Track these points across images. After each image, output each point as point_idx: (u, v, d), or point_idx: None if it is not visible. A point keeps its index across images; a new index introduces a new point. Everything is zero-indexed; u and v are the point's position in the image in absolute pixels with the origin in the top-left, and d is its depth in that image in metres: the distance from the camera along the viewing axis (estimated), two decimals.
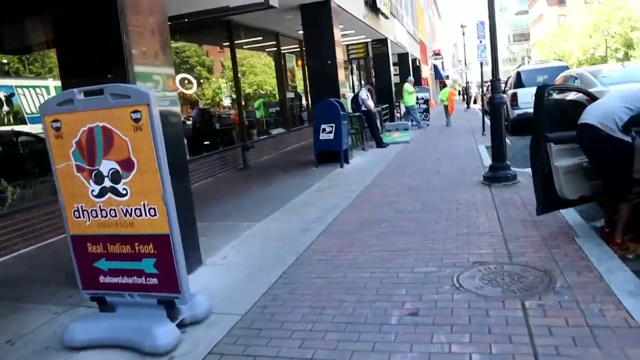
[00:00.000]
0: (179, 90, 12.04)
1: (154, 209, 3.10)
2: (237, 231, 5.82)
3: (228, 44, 11.90)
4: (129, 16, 3.96)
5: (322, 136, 10.29)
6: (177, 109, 4.59)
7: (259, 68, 16.16)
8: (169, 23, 8.06)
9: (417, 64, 33.34)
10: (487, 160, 9.11)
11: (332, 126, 10.20)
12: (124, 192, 3.15)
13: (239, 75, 12.43)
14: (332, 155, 10.32)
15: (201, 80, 12.68)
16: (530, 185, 5.09)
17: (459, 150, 11.37)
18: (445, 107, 19.67)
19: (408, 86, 17.89)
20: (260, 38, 14.32)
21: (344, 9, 11.75)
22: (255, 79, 15.74)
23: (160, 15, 4.43)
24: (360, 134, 13.40)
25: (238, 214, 6.83)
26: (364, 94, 13.21)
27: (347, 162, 10.54)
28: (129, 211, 3.17)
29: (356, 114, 13.30)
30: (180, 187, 4.51)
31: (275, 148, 13.57)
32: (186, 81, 12.46)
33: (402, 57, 27.22)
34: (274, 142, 13.73)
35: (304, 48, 11.96)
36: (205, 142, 11.44)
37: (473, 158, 9.86)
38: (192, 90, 12.69)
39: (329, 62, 10.67)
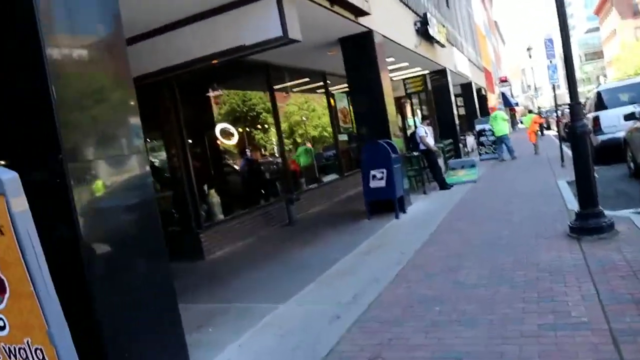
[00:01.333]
0: (219, 142, 11.33)
1: (41, 350, 1.99)
2: (254, 318, 4.63)
3: (267, 87, 11.03)
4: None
5: (373, 184, 9.03)
6: (144, 169, 3.54)
7: (306, 111, 15.29)
8: (188, 69, 7.37)
9: (483, 92, 31.55)
10: (571, 201, 7.50)
11: (382, 172, 8.92)
12: (1, 324, 2.07)
13: (281, 120, 11.48)
14: (386, 203, 9.03)
15: (247, 128, 11.88)
16: (637, 238, 3.58)
17: (536, 187, 9.72)
18: (535, 133, 18.12)
19: (503, 113, 16.50)
20: (307, 79, 13.45)
21: (390, 40, 10.63)
22: (301, 123, 14.87)
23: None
24: (420, 175, 12.03)
25: (264, 289, 5.66)
26: (422, 131, 11.89)
27: (404, 211, 9.19)
28: (13, 352, 2.07)
29: (414, 153, 11.99)
30: (153, 275, 3.44)
31: (328, 197, 12.41)
32: (227, 132, 11.71)
33: (466, 87, 25.70)
34: (326, 190, 12.58)
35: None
36: (250, 196, 10.49)
37: (553, 198, 8.22)
38: (232, 141, 11.91)
39: (376, 98, 9.50)
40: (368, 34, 9.38)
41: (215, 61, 6.80)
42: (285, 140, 11.89)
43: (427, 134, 11.83)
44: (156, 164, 9.08)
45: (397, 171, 8.99)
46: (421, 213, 9.07)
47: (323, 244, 7.59)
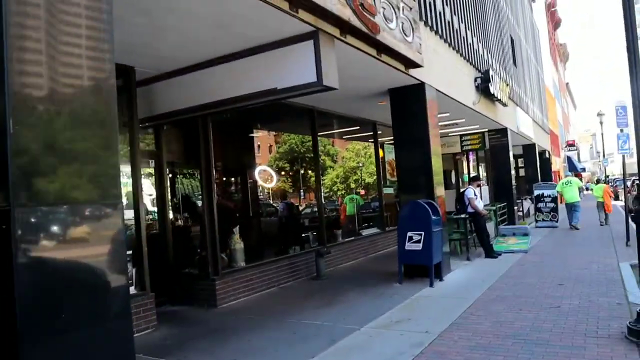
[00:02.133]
0: (258, 183, 11.01)
1: None
2: None
3: (311, 132, 10.66)
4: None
5: (409, 246, 8.33)
6: (117, 221, 3.13)
7: (351, 159, 14.86)
8: (219, 109, 7.08)
9: (547, 156, 30.16)
10: (634, 292, 6.57)
11: (420, 234, 8.23)
12: None
13: (323, 167, 11.05)
14: (422, 267, 8.31)
15: (288, 172, 11.56)
16: None
17: (593, 268, 8.72)
18: (600, 204, 16.87)
19: (578, 180, 15.49)
20: (356, 127, 13.06)
21: (445, 94, 10.08)
22: (345, 171, 14.43)
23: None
24: (465, 239, 11.20)
25: (261, 355, 5.08)
26: (471, 192, 11.12)
27: (441, 279, 8.41)
28: None
29: (461, 215, 11.20)
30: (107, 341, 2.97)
31: (364, 252, 11.75)
32: (266, 174, 11.40)
33: (528, 149, 24.57)
34: (364, 244, 11.93)
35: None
36: (279, 244, 10.02)
37: (612, 285, 7.25)
38: (272, 184, 11.57)
39: (421, 154, 8.91)
40: (419, 87, 8.88)
41: (247, 103, 6.45)
42: (325, 189, 11.45)
43: (476, 196, 11.05)
44: (180, 200, 8.80)
45: (436, 235, 8.27)
46: (459, 284, 8.26)
47: (342, 307, 6.95)
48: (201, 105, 6.62)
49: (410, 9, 7.77)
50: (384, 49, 6.99)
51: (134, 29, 5.27)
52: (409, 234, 8.33)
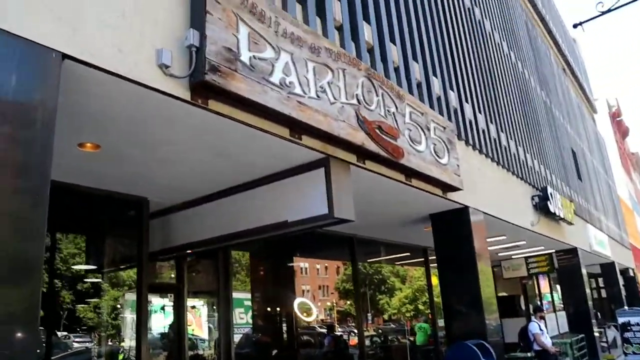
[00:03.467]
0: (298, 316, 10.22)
1: None
2: None
3: (351, 260, 9.93)
4: None
5: None
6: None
7: (419, 279, 13.85)
8: (233, 242, 6.58)
9: (631, 274, 27.40)
10: None
11: None
12: None
13: (364, 295, 10.14)
14: None
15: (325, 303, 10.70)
16: None
17: None
18: None
19: None
20: (406, 254, 12.22)
21: (495, 217, 9.19)
22: (412, 291, 13.37)
23: None
24: None
25: None
26: (536, 327, 9.76)
27: None
28: None
29: (527, 354, 9.76)
30: None
31: None
32: (306, 306, 10.62)
33: (607, 268, 22.41)
34: None
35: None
36: None
37: None
38: (311, 317, 10.73)
39: (468, 283, 7.91)
40: (462, 211, 8.08)
41: (260, 236, 5.93)
42: (393, 310, 10.50)
43: (542, 331, 9.66)
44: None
45: None
46: None
47: None
48: (214, 238, 6.14)
49: (444, 128, 7.25)
50: (412, 173, 6.39)
51: (133, 160, 4.99)
52: None
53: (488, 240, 9.46)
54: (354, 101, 5.30)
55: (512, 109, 11.74)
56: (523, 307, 18.08)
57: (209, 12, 3.80)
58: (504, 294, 17.18)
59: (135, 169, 5.26)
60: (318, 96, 4.77)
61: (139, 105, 3.84)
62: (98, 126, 4.18)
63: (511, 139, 11.14)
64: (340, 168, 5.29)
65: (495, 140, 10.02)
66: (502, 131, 10.61)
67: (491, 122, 10.08)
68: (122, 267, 7.58)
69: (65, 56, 3.12)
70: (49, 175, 2.95)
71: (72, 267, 12.29)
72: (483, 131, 9.48)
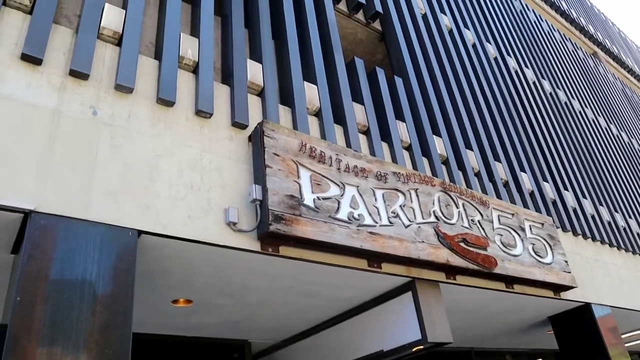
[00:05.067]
0: None
1: None
2: None
3: None
4: None
5: None
6: None
7: None
8: None
9: None
10: None
11: None
12: None
13: None
14: None
15: None
16: None
17: None
18: None
19: None
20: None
21: (628, 309, 8.17)
22: None
23: None
24: None
25: None
26: None
27: None
28: None
29: None
30: None
31: None
32: None
33: None
34: None
35: None
36: None
37: None
38: None
39: None
40: (584, 309, 7.31)
41: None
42: None
43: None
44: None
45: None
46: None
47: None
48: None
49: (542, 224, 6.83)
50: (511, 280, 5.98)
51: (226, 309, 5.19)
52: None
53: (625, 336, 8.39)
54: (432, 219, 5.22)
55: (623, 184, 10.84)
56: None
57: (268, 166, 4.06)
58: None
59: (229, 316, 5.45)
60: (391, 222, 4.77)
61: (217, 261, 4.07)
62: (185, 284, 4.46)
63: (630, 217, 10.17)
64: (429, 289, 5.10)
65: (609, 223, 9.20)
66: (616, 211, 9.75)
67: (600, 204, 9.34)
68: None
69: (140, 232, 3.45)
70: (130, 342, 3.10)
71: None
72: (592, 217, 8.78)
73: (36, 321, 2.83)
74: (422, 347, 4.92)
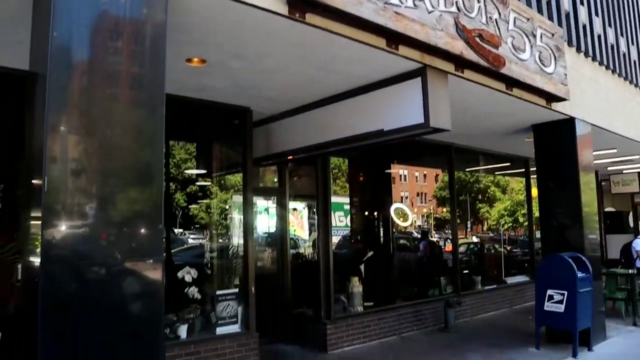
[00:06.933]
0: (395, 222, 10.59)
1: None
2: None
3: (448, 169, 9.99)
4: None
5: (548, 306, 7.18)
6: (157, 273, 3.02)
7: (520, 192, 13.63)
8: (329, 149, 6.84)
9: None
10: None
11: (563, 294, 7.06)
12: None
13: (459, 201, 10.24)
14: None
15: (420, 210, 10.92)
16: None
17: None
18: None
19: None
20: (505, 164, 11.96)
21: (606, 130, 8.66)
22: (511, 204, 13.25)
23: None
24: (633, 299, 9.42)
25: None
26: None
27: (590, 348, 7.11)
28: None
29: (629, 271, 9.49)
30: None
31: (509, 302, 10.53)
32: (402, 212, 10.91)
33: None
34: (508, 294, 10.68)
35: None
36: (404, 288, 9.41)
37: None
38: (407, 222, 11.03)
39: (569, 199, 7.73)
40: (567, 122, 7.73)
41: (357, 144, 6.14)
42: (492, 222, 10.63)
43: None
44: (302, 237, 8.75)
45: (583, 296, 7.01)
46: (613, 356, 6.89)
47: None
48: (312, 146, 6.44)
49: (552, 35, 6.82)
50: (513, 82, 6.17)
51: (236, 72, 5.27)
52: (548, 292, 7.20)
53: (596, 153, 9.03)
54: (453, 9, 5.15)
55: (637, 9, 10.61)
56: (631, 224, 17.25)
57: None
58: (612, 209, 16.44)
59: (238, 81, 5.56)
60: (415, 5, 4.70)
61: (240, 21, 4.03)
62: (203, 42, 4.46)
63: (632, 44, 10.17)
64: (438, 77, 5.25)
65: (612, 46, 9.22)
66: (621, 35, 9.71)
67: (609, 25, 9.24)
68: (228, 171, 8.19)
69: None
70: (163, 88, 3.23)
71: (184, 171, 13.40)
72: (599, 36, 8.74)
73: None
74: (422, 130, 5.24)
